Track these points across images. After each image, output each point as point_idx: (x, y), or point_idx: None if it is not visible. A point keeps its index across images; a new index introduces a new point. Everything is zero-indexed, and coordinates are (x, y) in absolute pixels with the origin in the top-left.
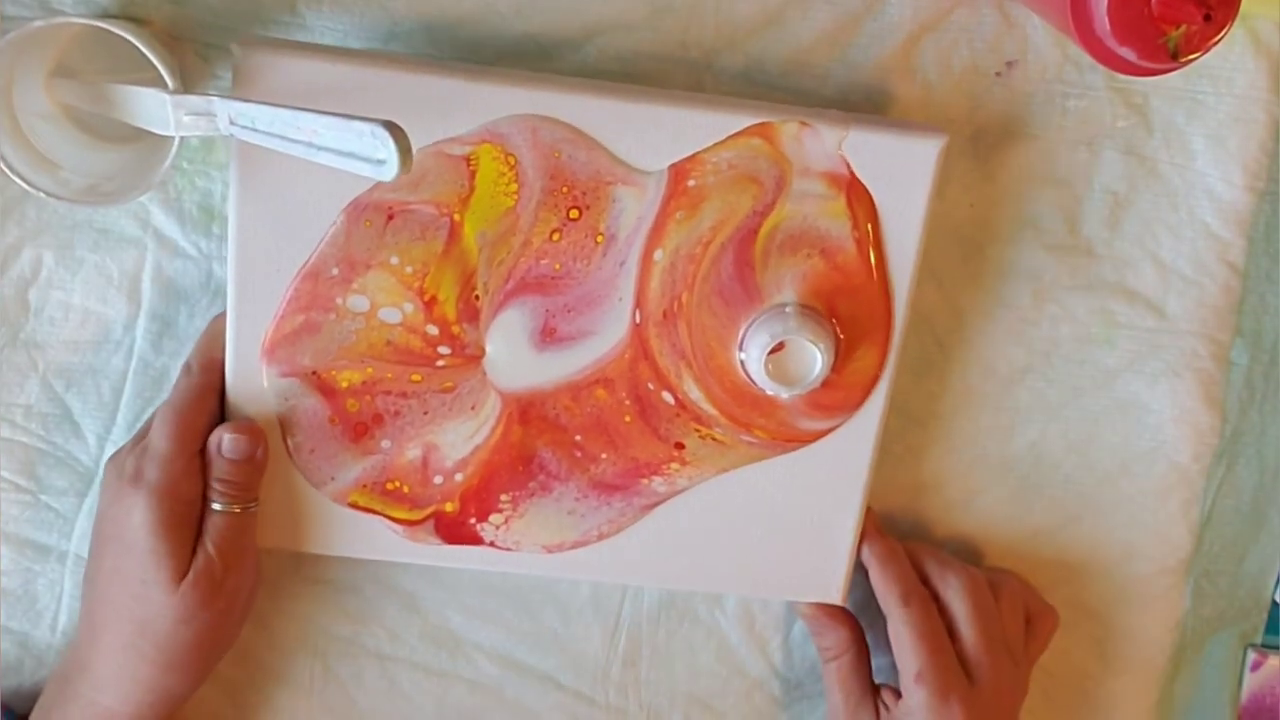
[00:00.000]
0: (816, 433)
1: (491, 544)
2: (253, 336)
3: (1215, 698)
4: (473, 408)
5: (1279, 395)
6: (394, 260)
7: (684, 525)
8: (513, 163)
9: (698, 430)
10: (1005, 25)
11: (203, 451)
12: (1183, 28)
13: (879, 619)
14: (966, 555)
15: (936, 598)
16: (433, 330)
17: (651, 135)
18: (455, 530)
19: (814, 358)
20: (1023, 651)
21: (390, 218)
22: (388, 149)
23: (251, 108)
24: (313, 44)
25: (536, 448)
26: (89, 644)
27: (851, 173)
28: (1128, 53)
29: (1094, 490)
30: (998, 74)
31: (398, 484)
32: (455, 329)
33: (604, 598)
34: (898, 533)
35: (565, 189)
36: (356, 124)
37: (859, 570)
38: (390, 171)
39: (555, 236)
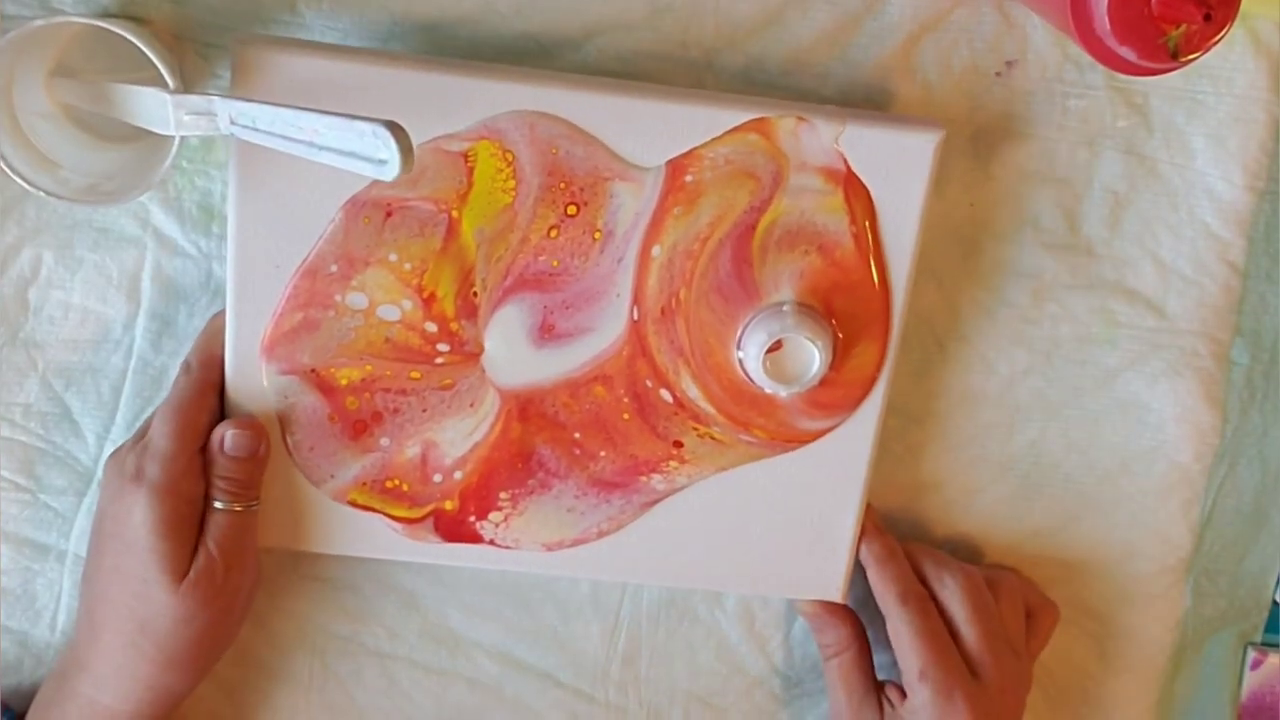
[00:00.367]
0: (815, 432)
1: (491, 542)
2: (252, 334)
3: (1215, 697)
4: (471, 405)
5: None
6: (392, 257)
7: (684, 523)
8: (510, 159)
9: (696, 429)
10: (1005, 25)
11: (204, 450)
12: (1183, 27)
13: (879, 616)
14: (966, 554)
15: (934, 599)
16: (431, 327)
17: (648, 131)
18: (455, 528)
19: (812, 356)
20: (1024, 647)
21: (389, 215)
22: (389, 149)
23: (252, 107)
24: (310, 41)
25: (535, 445)
26: (88, 642)
27: (848, 167)
28: (1128, 52)
29: (1094, 490)
30: (998, 74)
31: (397, 482)
32: (454, 326)
33: (603, 596)
34: (897, 532)
35: (563, 185)
36: (358, 124)
37: (859, 568)
38: (392, 171)
39: (553, 233)
